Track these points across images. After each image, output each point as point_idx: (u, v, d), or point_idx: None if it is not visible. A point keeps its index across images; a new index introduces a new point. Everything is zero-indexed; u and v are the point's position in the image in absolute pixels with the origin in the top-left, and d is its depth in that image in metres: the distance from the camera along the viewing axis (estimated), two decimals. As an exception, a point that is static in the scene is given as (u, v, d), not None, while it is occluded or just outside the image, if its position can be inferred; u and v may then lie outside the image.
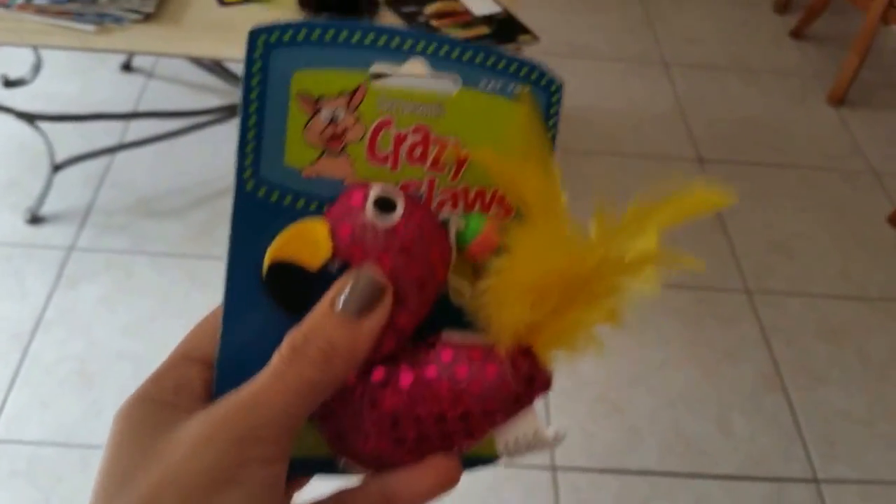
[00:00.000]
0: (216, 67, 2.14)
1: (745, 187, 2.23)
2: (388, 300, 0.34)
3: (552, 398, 1.67)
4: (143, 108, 2.26)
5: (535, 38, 1.52)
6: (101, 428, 1.54)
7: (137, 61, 2.39)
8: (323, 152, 0.36)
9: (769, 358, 1.79)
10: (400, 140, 0.37)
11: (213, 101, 2.23)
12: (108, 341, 1.67)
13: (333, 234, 0.35)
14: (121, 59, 2.38)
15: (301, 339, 0.32)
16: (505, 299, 0.35)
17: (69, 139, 2.07)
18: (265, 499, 0.30)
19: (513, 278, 0.35)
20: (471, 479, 1.33)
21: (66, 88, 2.28)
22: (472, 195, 0.39)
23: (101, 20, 1.47)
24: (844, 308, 1.93)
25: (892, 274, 2.03)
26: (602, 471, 1.58)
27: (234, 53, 1.49)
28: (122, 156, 2.09)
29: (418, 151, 0.37)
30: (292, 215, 0.35)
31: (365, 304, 0.33)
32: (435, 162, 0.38)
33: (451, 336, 0.36)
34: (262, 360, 0.34)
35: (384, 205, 0.35)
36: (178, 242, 1.88)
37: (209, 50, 1.49)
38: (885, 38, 2.92)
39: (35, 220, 1.90)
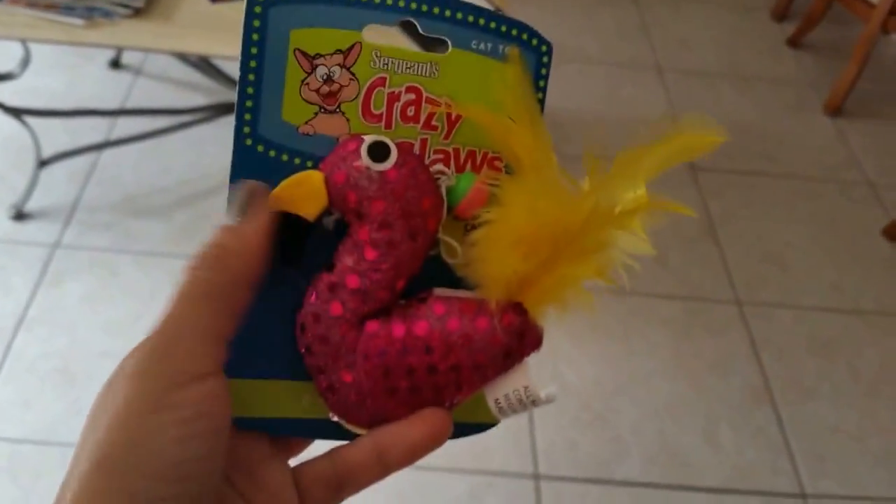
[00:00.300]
0: (205, 65, 2.14)
1: (737, 197, 2.24)
2: (264, 202, 0.35)
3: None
4: (130, 105, 2.26)
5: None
6: (82, 426, 1.54)
7: (126, 58, 2.39)
8: (319, 110, 0.38)
9: (759, 370, 1.80)
10: (393, 99, 0.38)
11: (202, 100, 2.23)
12: (91, 340, 1.67)
13: (328, 182, 0.36)
14: (109, 55, 2.38)
15: (197, 251, 0.33)
16: (495, 250, 0.36)
17: (55, 135, 2.07)
18: (197, 425, 0.30)
19: (503, 229, 0.36)
20: (452, 486, 1.34)
21: (53, 84, 2.29)
22: (463, 156, 0.40)
23: (91, 14, 1.47)
24: (836, 321, 1.94)
25: (886, 288, 2.04)
26: (585, 480, 1.58)
27: (225, 50, 1.49)
28: (108, 153, 2.09)
29: (411, 111, 0.39)
30: (289, 171, 0.37)
31: (244, 208, 0.34)
32: (428, 122, 0.39)
33: (443, 292, 0.38)
34: (266, 319, 0.36)
35: (378, 151, 0.36)
36: (163, 242, 1.88)
37: (199, 46, 1.50)
38: (884, 48, 2.93)
39: (20, 216, 1.90)
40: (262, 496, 0.36)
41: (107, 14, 1.48)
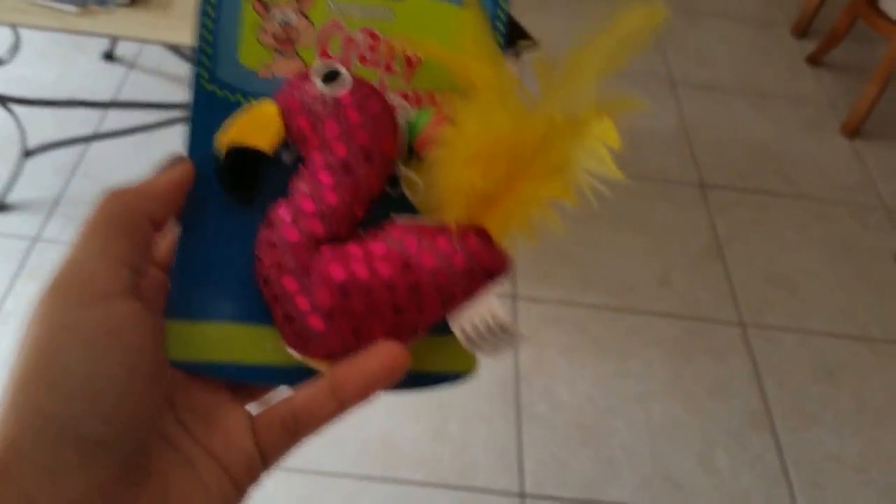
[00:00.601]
0: (200, 60, 2.15)
1: (748, 216, 2.24)
2: (183, 165, 0.37)
3: (524, 421, 1.67)
4: (122, 98, 2.27)
5: (535, 43, 1.53)
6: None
7: (120, 50, 2.40)
8: (276, 53, 0.39)
9: (759, 395, 1.80)
10: (350, 43, 0.40)
11: (196, 95, 2.24)
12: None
13: (282, 111, 0.37)
14: (103, 46, 2.39)
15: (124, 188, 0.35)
16: (452, 167, 0.36)
17: (43, 125, 2.08)
18: (113, 332, 0.32)
19: (459, 146, 0.36)
20: (432, 501, 1.33)
21: (43, 73, 2.30)
22: (423, 99, 0.41)
23: (85, 2, 1.48)
24: (843, 348, 1.93)
25: (897, 315, 2.03)
26: (573, 501, 1.58)
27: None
28: (96, 146, 2.10)
29: (369, 54, 0.40)
30: None
31: (161, 168, 0.37)
32: (387, 65, 0.40)
33: (403, 219, 0.38)
34: (222, 260, 0.37)
35: (330, 76, 0.37)
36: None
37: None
38: (908, 70, 2.93)
39: (1, 207, 1.92)
40: (217, 441, 0.36)
41: (101, 2, 1.49)
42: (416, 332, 0.37)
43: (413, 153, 0.39)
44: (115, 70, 2.36)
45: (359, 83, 0.38)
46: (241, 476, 0.36)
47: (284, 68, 0.39)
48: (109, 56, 2.39)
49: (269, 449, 0.37)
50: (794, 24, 3.06)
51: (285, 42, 0.39)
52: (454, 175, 0.36)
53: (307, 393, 0.37)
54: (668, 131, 2.48)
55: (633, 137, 2.41)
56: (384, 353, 0.36)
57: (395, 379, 0.36)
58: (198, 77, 0.38)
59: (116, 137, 2.04)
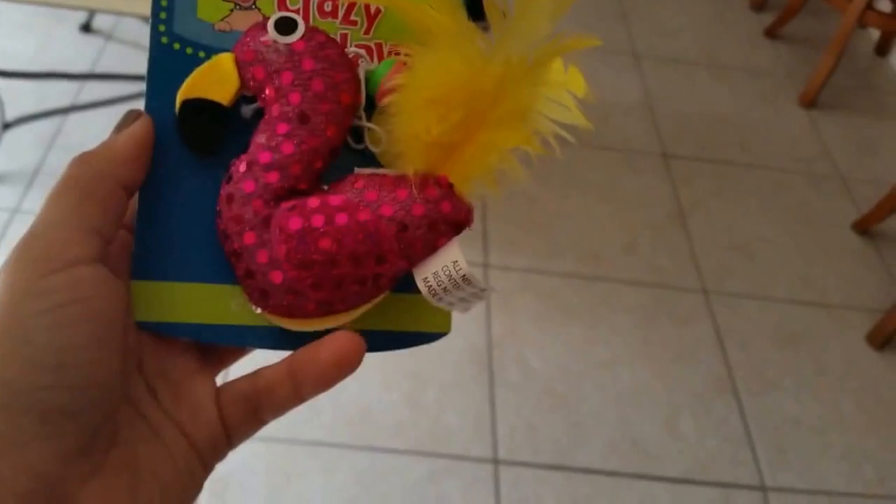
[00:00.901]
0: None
1: (709, 186, 2.20)
2: (142, 120, 0.35)
3: (497, 388, 1.64)
4: (100, 69, 2.20)
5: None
6: None
7: (97, 22, 2.32)
8: (234, 7, 0.37)
9: (722, 360, 1.77)
10: None
11: (173, 67, 2.18)
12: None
13: (238, 62, 0.36)
14: (80, 18, 2.31)
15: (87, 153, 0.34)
16: (409, 114, 0.35)
17: (21, 98, 2.01)
18: (78, 300, 0.30)
19: (416, 92, 0.35)
20: (411, 470, 1.30)
21: (21, 46, 2.22)
22: (385, 52, 0.39)
23: (61, -25, 1.43)
24: (803, 314, 1.91)
25: (854, 281, 2.01)
26: (545, 467, 1.55)
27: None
28: (74, 117, 2.03)
29: (329, 6, 0.38)
30: None
31: (120, 127, 0.35)
32: (347, 16, 0.38)
33: (365, 171, 0.36)
34: (186, 219, 0.36)
35: (284, 25, 0.36)
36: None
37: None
38: (860, 41, 2.91)
39: (-21, 179, 1.85)
40: (183, 410, 0.35)
41: (77, -25, 1.44)
42: (378, 285, 0.35)
43: (374, 105, 0.37)
44: (93, 41, 2.28)
45: (313, 31, 0.36)
46: (206, 451, 0.34)
47: (243, 21, 0.37)
48: (87, 28, 2.31)
49: (232, 426, 0.36)
50: (751, -3, 3.04)
51: None
52: (411, 121, 0.35)
53: (269, 376, 0.36)
54: (632, 103, 2.45)
55: (599, 109, 2.37)
56: (339, 343, 0.35)
57: (352, 369, 0.35)
58: (154, 30, 0.36)
59: (94, 109, 1.98)
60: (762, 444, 1.64)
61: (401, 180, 0.35)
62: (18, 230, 1.74)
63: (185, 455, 0.34)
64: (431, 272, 0.35)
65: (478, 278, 0.35)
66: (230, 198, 0.35)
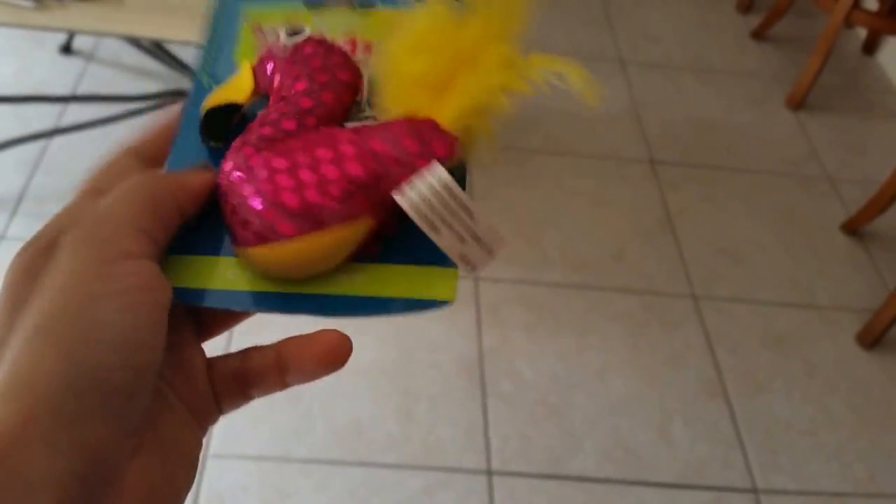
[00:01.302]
0: (158, 51, 2.13)
1: (697, 190, 2.26)
2: (211, 174, 0.37)
3: (489, 399, 1.69)
4: (81, 91, 2.24)
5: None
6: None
7: (77, 43, 2.37)
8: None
9: (712, 365, 1.83)
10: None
11: (154, 87, 2.22)
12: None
13: (254, 67, 0.41)
14: (60, 40, 2.36)
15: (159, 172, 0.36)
16: (398, 57, 0.37)
17: (3, 122, 2.06)
18: (144, 287, 0.32)
19: (405, 37, 0.37)
20: (405, 484, 1.35)
21: (1, 69, 2.27)
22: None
23: (41, -4, 1.47)
24: (792, 316, 1.97)
25: (843, 282, 2.07)
26: (539, 476, 1.60)
27: (177, 34, 1.49)
28: (58, 141, 2.08)
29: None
30: None
31: (195, 168, 0.38)
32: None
33: (351, 123, 0.39)
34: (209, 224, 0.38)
35: (293, 31, 0.42)
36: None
37: (151, 30, 1.50)
38: (847, 42, 2.96)
39: (-37, 206, 1.89)
40: (180, 378, 0.36)
41: (57, -4, 1.48)
42: (371, 216, 0.37)
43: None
44: (74, 63, 2.33)
45: (319, 35, 0.42)
46: (201, 417, 0.36)
47: None
48: (67, 49, 2.36)
49: (222, 398, 0.37)
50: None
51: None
52: (399, 64, 0.37)
53: (259, 359, 0.37)
54: (618, 110, 2.50)
55: (586, 117, 2.43)
56: (327, 341, 0.37)
57: (337, 367, 0.37)
58: (199, 77, 0.42)
59: (78, 131, 2.01)
60: (753, 447, 1.70)
61: (391, 121, 0.38)
62: (5, 257, 1.77)
63: (190, 423, 0.35)
64: (411, 186, 0.36)
65: (462, 192, 0.36)
66: (225, 156, 0.38)
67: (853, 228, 2.20)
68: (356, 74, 0.41)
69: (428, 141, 0.37)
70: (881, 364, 1.88)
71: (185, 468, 0.34)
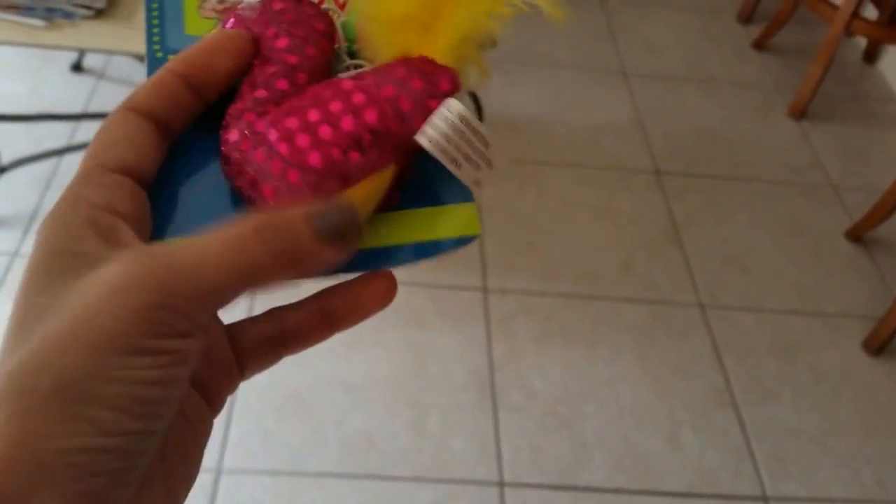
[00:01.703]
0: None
1: (702, 200, 2.26)
2: (357, 240, 0.33)
3: (500, 411, 1.69)
4: (92, 109, 2.25)
5: (493, 42, 1.53)
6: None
7: (88, 61, 2.38)
8: (218, 22, 0.41)
9: (721, 374, 1.82)
10: None
11: (165, 104, 2.22)
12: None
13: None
14: (71, 59, 2.37)
15: (268, 225, 0.30)
16: (375, 6, 0.37)
17: (16, 140, 2.06)
18: (175, 371, 0.28)
19: None
20: (415, 498, 1.34)
21: (13, 88, 2.27)
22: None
23: (51, 15, 1.47)
24: (798, 324, 1.96)
25: (848, 290, 2.06)
26: (550, 487, 1.60)
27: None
28: (70, 158, 2.08)
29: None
30: None
31: (337, 238, 0.32)
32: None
33: (344, 74, 0.38)
34: (193, 179, 0.37)
35: None
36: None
37: (160, 49, 1.50)
38: (848, 50, 2.96)
39: (-22, 224, 1.90)
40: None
41: (68, 15, 1.48)
42: (393, 162, 0.36)
43: (355, 55, 0.40)
44: (85, 81, 2.34)
45: None
46: (220, 391, 0.35)
47: None
48: (78, 67, 2.36)
49: (248, 361, 0.36)
50: (738, 10, 3.09)
51: (225, 12, 0.40)
52: (379, 6, 0.36)
53: (298, 316, 0.36)
54: (623, 121, 2.50)
55: (591, 129, 2.43)
56: (378, 282, 0.36)
57: (386, 305, 0.36)
58: (150, 48, 0.40)
59: (89, 150, 2.01)
60: (763, 455, 1.69)
61: (389, 64, 0.37)
62: (18, 274, 1.79)
63: (195, 426, 0.34)
64: (429, 124, 0.35)
65: (478, 121, 0.35)
66: (225, 126, 0.36)
67: (857, 235, 2.19)
68: (330, 23, 0.39)
69: (433, 78, 0.36)
70: (887, 370, 1.88)
71: (186, 482, 0.33)
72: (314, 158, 0.34)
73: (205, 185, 0.37)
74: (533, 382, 1.75)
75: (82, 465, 0.27)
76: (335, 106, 0.35)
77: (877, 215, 2.12)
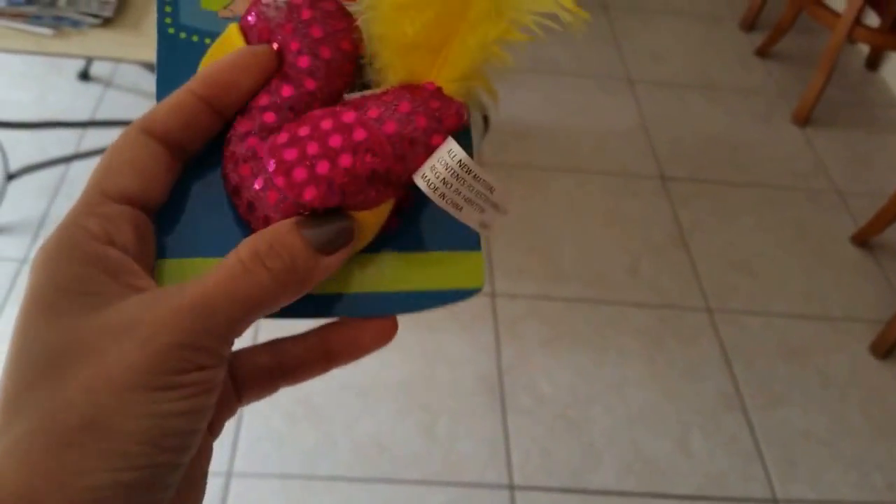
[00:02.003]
0: (176, 77, 2.14)
1: (707, 206, 2.26)
2: (352, 245, 0.34)
3: (509, 415, 1.68)
4: (99, 117, 2.25)
5: (503, 66, 1.53)
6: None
7: (95, 70, 2.38)
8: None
9: (729, 377, 1.82)
10: None
11: (173, 112, 2.22)
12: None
13: (243, 29, 0.37)
14: (78, 67, 2.37)
15: (266, 248, 0.31)
16: (382, 22, 0.35)
17: (24, 148, 2.06)
18: (200, 401, 0.29)
19: (388, 6, 0.35)
20: (425, 502, 1.34)
21: (21, 96, 2.27)
22: None
23: (59, 24, 1.47)
24: (805, 328, 1.96)
25: (854, 293, 2.06)
26: (560, 490, 1.59)
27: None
28: (77, 166, 2.08)
29: None
30: None
31: (331, 245, 0.33)
32: None
33: (351, 96, 0.37)
34: (204, 200, 0.36)
35: None
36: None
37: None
38: (850, 57, 2.97)
39: (-13, 230, 1.89)
40: None
41: (75, 24, 1.48)
42: (392, 196, 0.35)
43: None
44: (92, 89, 2.34)
45: None
46: (218, 418, 0.35)
47: (243, 5, 0.39)
48: (85, 76, 2.36)
49: (246, 392, 0.36)
50: (741, 18, 3.10)
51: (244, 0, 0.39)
52: (385, 30, 0.35)
53: (298, 350, 0.36)
54: (628, 127, 2.50)
55: (596, 135, 2.43)
56: (377, 324, 0.36)
57: (385, 344, 0.36)
58: (161, 24, 0.38)
59: (96, 157, 2.00)
60: (772, 458, 1.68)
61: (391, 94, 0.36)
62: (26, 281, 1.78)
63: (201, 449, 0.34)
64: (429, 167, 0.35)
65: (479, 168, 0.34)
66: (227, 141, 0.36)
67: (863, 240, 2.19)
68: (358, 41, 0.37)
69: (439, 115, 0.35)
70: (895, 373, 1.87)
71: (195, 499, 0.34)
72: (309, 193, 0.33)
73: (210, 198, 0.37)
74: (542, 386, 1.75)
75: (110, 500, 0.27)
76: (335, 141, 0.34)
77: (882, 220, 2.12)
